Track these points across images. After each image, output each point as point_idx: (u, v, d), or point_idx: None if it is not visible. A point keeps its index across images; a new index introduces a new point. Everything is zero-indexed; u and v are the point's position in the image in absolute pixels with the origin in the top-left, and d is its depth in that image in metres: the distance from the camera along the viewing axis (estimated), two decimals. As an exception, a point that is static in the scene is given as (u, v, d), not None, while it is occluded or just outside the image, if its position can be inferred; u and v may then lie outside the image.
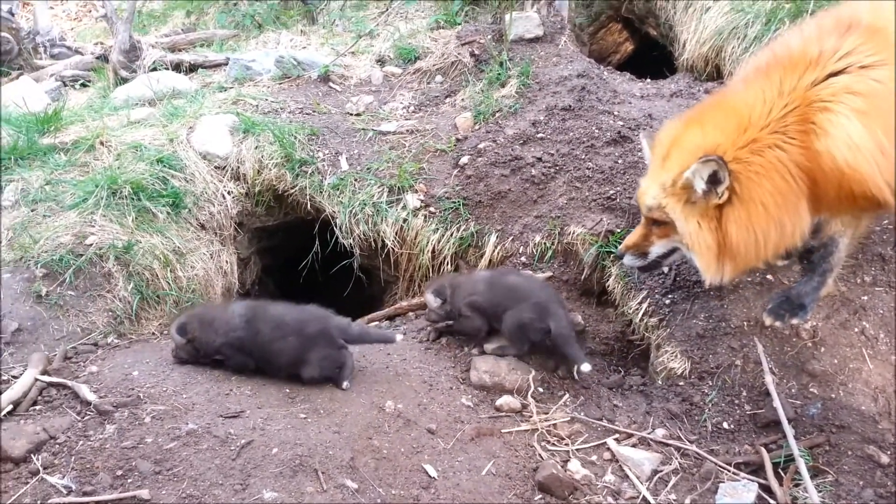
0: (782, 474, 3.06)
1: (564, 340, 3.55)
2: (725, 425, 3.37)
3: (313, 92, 5.60)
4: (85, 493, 2.56)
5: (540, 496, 2.99)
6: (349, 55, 6.15)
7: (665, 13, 6.45)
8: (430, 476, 2.93)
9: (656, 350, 3.83)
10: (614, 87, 5.16)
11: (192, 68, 6.49)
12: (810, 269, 3.52)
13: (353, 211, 4.63)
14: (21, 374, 3.12)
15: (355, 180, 4.72)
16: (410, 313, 4.32)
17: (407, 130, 5.10)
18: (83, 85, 6.90)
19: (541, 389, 3.59)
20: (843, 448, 3.16)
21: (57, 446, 2.75)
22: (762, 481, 3.04)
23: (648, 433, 3.35)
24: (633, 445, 3.29)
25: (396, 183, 4.68)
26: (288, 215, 5.15)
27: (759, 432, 3.31)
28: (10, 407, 2.92)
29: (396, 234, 4.61)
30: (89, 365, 3.31)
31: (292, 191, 4.82)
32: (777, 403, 3.21)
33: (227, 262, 4.76)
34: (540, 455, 3.20)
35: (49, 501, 2.52)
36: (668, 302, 3.85)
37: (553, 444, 3.28)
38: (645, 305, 3.91)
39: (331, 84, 5.76)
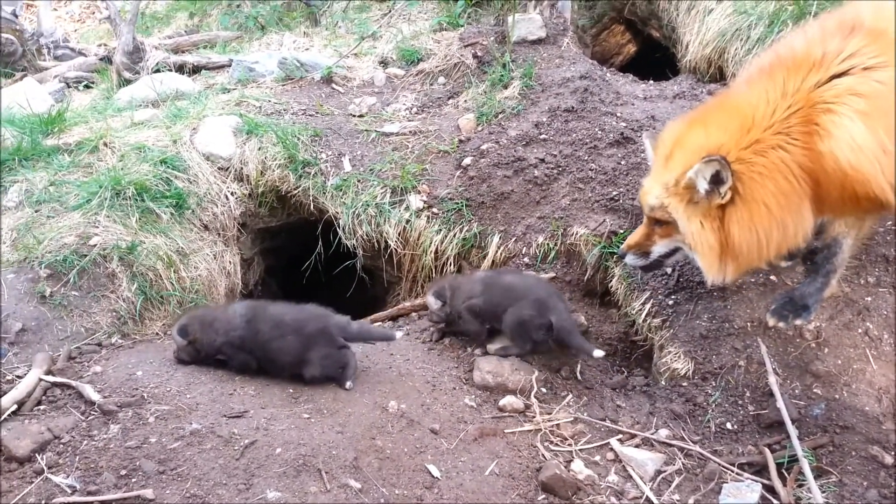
0: (786, 475, 3.06)
1: (568, 333, 3.57)
2: (729, 426, 3.37)
3: (316, 93, 5.61)
4: (89, 493, 2.56)
5: (543, 496, 2.99)
6: (352, 57, 6.16)
7: (668, 15, 6.46)
8: (433, 476, 2.93)
9: (659, 350, 3.83)
10: (617, 89, 5.16)
11: (196, 70, 6.51)
12: (814, 270, 3.52)
13: (356, 212, 4.64)
14: (25, 374, 3.12)
15: (358, 181, 4.73)
16: (413, 314, 4.33)
17: (410, 132, 5.11)
18: (87, 86, 6.91)
19: (544, 390, 3.60)
20: (847, 449, 3.15)
21: (61, 446, 2.75)
22: (766, 482, 3.04)
23: (652, 433, 3.35)
24: (637, 446, 3.30)
25: (399, 184, 4.68)
26: (291, 216, 5.16)
27: (763, 433, 3.31)
28: (15, 407, 2.92)
29: (399, 234, 4.62)
30: (93, 365, 3.32)
31: (295, 192, 4.83)
32: (781, 404, 3.21)
33: (230, 262, 4.77)
34: (543, 455, 3.20)
35: (53, 501, 2.52)
36: (671, 303, 3.85)
37: (556, 445, 3.28)
38: (648, 306, 3.91)
39: (334, 85, 5.76)
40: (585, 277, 4.26)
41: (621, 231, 4.13)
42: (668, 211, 3.13)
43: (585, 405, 3.54)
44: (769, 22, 5.25)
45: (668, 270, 3.94)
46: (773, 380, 3.32)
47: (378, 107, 5.51)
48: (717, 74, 5.69)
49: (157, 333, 3.94)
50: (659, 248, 3.33)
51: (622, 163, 4.44)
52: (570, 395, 3.60)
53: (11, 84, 6.86)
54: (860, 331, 3.46)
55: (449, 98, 5.54)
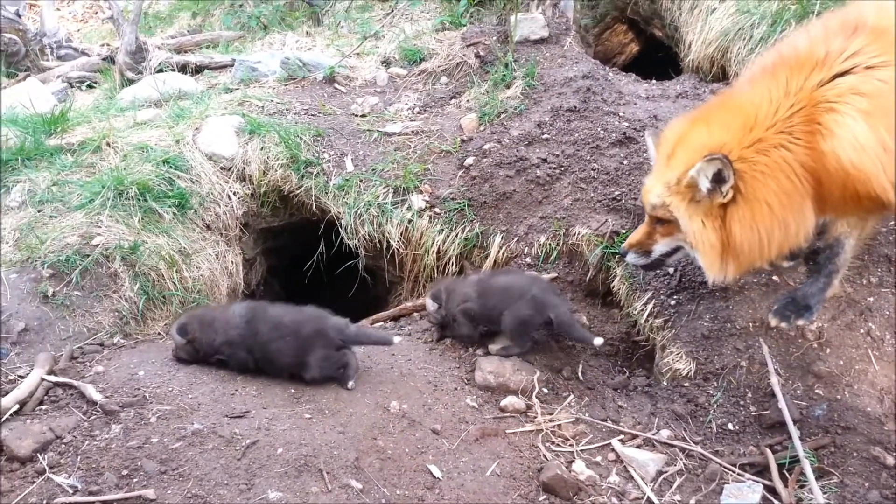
0: (787, 475, 3.06)
1: (568, 326, 3.59)
2: (730, 426, 3.37)
3: (319, 93, 5.61)
4: (91, 493, 2.56)
5: (544, 497, 2.99)
6: (354, 56, 6.17)
7: (670, 14, 6.45)
8: (434, 476, 2.93)
9: (661, 351, 3.82)
10: (620, 89, 5.16)
11: (198, 70, 6.52)
12: (816, 271, 3.51)
13: (359, 212, 4.64)
14: (27, 374, 3.12)
15: (360, 181, 4.73)
16: (415, 314, 4.33)
17: (412, 131, 5.11)
18: (89, 86, 6.93)
19: (545, 390, 3.59)
20: (849, 449, 3.15)
21: (63, 446, 2.76)
22: (767, 482, 3.03)
23: (653, 434, 3.35)
24: (638, 446, 3.29)
25: (401, 184, 4.68)
26: (293, 216, 5.16)
27: (765, 433, 3.31)
28: (17, 406, 2.93)
29: (401, 234, 4.62)
30: (95, 365, 3.32)
31: (298, 192, 4.83)
32: (782, 404, 3.21)
33: (232, 262, 4.77)
34: (544, 456, 3.20)
35: (55, 501, 2.53)
36: (673, 303, 3.85)
37: (557, 445, 3.28)
38: (650, 306, 3.91)
39: (336, 85, 5.77)
40: (587, 277, 4.25)
41: (623, 231, 4.13)
42: (669, 209, 3.12)
43: (587, 405, 3.54)
44: (772, 21, 5.24)
45: (671, 270, 3.93)
46: (774, 380, 3.31)
47: (380, 106, 5.51)
48: (719, 74, 5.68)
49: (160, 333, 3.94)
50: (660, 246, 3.33)
51: (624, 163, 4.44)
52: (572, 396, 3.60)
53: (14, 84, 6.89)
54: (862, 331, 3.45)
55: (451, 98, 5.53)
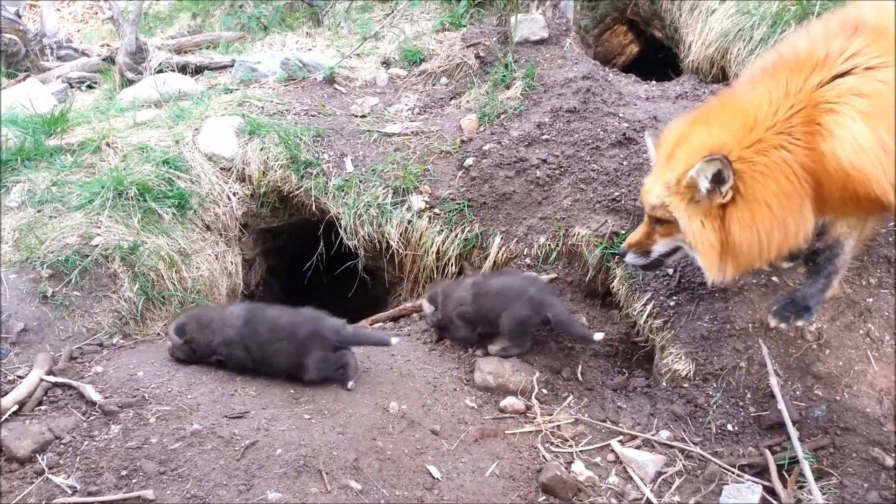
0: (786, 476, 3.05)
1: (567, 324, 3.62)
2: (730, 427, 3.36)
3: (318, 94, 5.61)
4: (90, 493, 2.56)
5: (543, 497, 2.99)
6: (354, 57, 6.16)
7: (670, 15, 6.45)
8: (433, 477, 2.93)
9: (661, 352, 3.82)
10: (619, 89, 5.15)
11: (198, 70, 6.51)
12: (816, 271, 3.51)
13: (358, 212, 4.64)
14: (27, 375, 3.12)
15: (360, 182, 4.73)
16: (415, 314, 4.32)
17: (412, 132, 5.11)
18: (89, 87, 6.93)
19: (545, 391, 3.59)
20: (848, 450, 3.15)
21: (62, 446, 2.75)
22: (766, 483, 3.03)
23: (652, 435, 3.35)
24: (637, 447, 3.29)
25: (401, 184, 4.68)
26: (293, 216, 5.16)
27: (764, 434, 3.30)
28: (16, 407, 2.93)
29: (401, 235, 4.62)
30: (94, 365, 3.32)
31: (297, 192, 4.83)
32: (781, 405, 3.21)
33: (232, 262, 4.77)
34: (544, 456, 3.20)
35: (54, 501, 2.52)
36: (672, 304, 3.85)
37: (557, 446, 3.28)
38: (649, 307, 3.91)
39: (336, 86, 5.77)
40: (587, 278, 4.25)
41: (623, 232, 4.13)
42: (669, 210, 3.12)
43: (586, 406, 3.54)
44: (772, 22, 5.24)
45: (670, 271, 3.93)
46: (774, 381, 3.31)
47: (380, 107, 5.51)
48: (719, 75, 5.68)
49: (159, 334, 3.93)
50: (659, 247, 3.33)
51: (624, 163, 4.44)
52: (571, 397, 3.60)
53: (14, 84, 6.88)
54: (861, 332, 3.45)
55: (451, 98, 5.54)
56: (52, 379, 3.11)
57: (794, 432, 3.11)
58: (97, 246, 3.95)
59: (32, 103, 5.37)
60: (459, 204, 4.57)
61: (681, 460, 3.22)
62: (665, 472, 3.16)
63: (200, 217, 4.62)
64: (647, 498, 3.03)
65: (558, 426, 3.38)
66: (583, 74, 5.12)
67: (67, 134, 4.95)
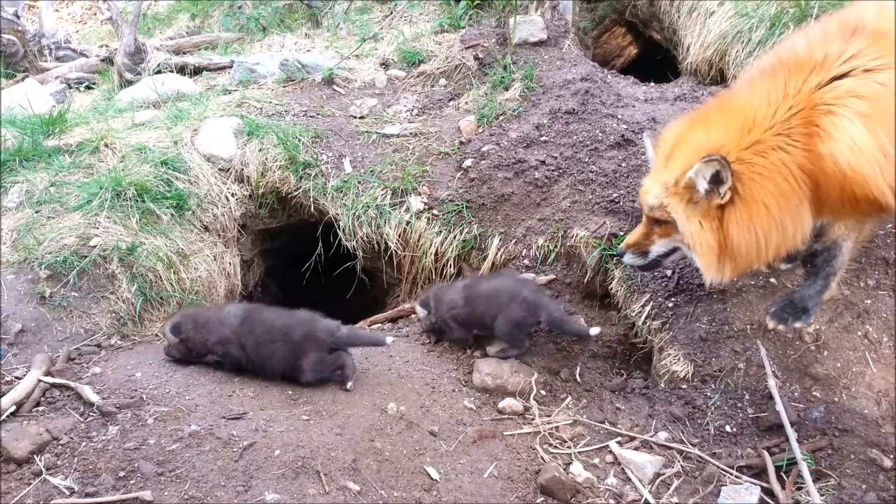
0: (785, 478, 3.05)
1: (560, 322, 3.64)
2: (728, 428, 3.37)
3: (317, 95, 5.61)
4: (87, 495, 2.56)
5: (542, 499, 2.99)
6: (353, 58, 6.16)
7: (669, 17, 6.45)
8: (432, 478, 2.93)
9: (659, 353, 3.82)
10: (618, 91, 5.16)
11: (197, 71, 6.51)
12: (814, 273, 3.52)
13: (357, 213, 4.64)
14: (24, 375, 3.12)
15: (359, 183, 4.73)
16: (413, 315, 4.32)
17: (410, 133, 5.11)
18: (88, 87, 6.92)
19: (543, 392, 3.59)
20: (846, 452, 3.15)
21: (60, 447, 2.75)
22: (765, 485, 3.03)
23: (651, 436, 3.35)
24: (636, 448, 3.29)
25: (400, 185, 4.68)
26: (291, 217, 5.16)
27: (762, 435, 3.31)
28: (14, 408, 2.92)
29: (399, 236, 4.62)
30: (92, 366, 3.32)
31: (296, 193, 4.83)
32: (780, 407, 3.21)
33: (230, 263, 4.77)
34: (542, 458, 3.20)
35: (52, 502, 2.52)
36: (670, 305, 3.85)
37: (555, 447, 3.28)
38: (648, 308, 3.91)
39: (335, 87, 5.77)
40: (585, 279, 4.25)
41: (621, 233, 4.13)
42: (667, 210, 3.13)
43: (584, 407, 3.54)
44: (770, 24, 5.24)
45: (668, 272, 3.94)
46: (772, 382, 3.31)
47: (379, 108, 5.51)
48: (718, 77, 5.68)
49: (157, 335, 3.93)
50: (657, 247, 3.33)
51: (623, 165, 4.44)
52: (570, 398, 3.60)
53: (13, 85, 6.87)
54: (860, 334, 3.45)
55: (450, 100, 5.54)
56: (49, 380, 3.11)
57: (792, 433, 3.11)
58: (95, 247, 3.94)
59: (31, 104, 5.36)
60: (458, 205, 4.57)
61: (679, 461, 3.22)
62: (663, 474, 3.16)
63: (199, 218, 4.61)
64: (646, 499, 3.03)
65: (557, 427, 3.38)
66: (581, 76, 5.12)
67: (66, 134, 4.94)
